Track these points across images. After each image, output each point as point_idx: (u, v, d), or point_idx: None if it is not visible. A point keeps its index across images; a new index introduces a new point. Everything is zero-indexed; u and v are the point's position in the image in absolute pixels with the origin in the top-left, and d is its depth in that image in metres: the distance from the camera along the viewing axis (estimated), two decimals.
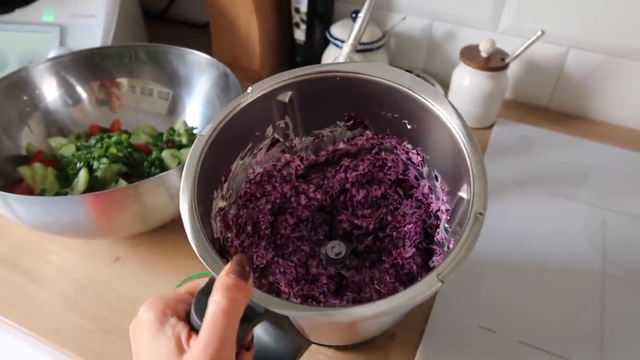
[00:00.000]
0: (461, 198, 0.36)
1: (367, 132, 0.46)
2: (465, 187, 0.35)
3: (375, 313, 0.29)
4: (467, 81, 0.73)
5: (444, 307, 0.51)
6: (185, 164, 0.37)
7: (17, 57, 0.78)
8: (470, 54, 0.72)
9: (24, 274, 0.55)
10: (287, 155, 0.47)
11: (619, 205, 0.63)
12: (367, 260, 0.47)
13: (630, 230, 0.60)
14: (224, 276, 0.28)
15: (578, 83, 0.78)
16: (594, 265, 0.56)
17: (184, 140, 0.65)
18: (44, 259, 0.57)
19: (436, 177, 0.42)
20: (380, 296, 0.42)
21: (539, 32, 0.66)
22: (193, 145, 0.38)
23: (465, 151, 0.35)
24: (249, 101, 0.41)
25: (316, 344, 0.45)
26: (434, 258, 0.43)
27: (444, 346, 0.48)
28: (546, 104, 0.82)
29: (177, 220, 0.57)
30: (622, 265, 0.55)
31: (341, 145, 0.48)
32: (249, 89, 0.41)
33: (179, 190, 0.50)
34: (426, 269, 0.44)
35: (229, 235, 0.42)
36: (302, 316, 0.29)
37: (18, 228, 0.59)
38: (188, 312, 0.29)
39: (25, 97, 0.64)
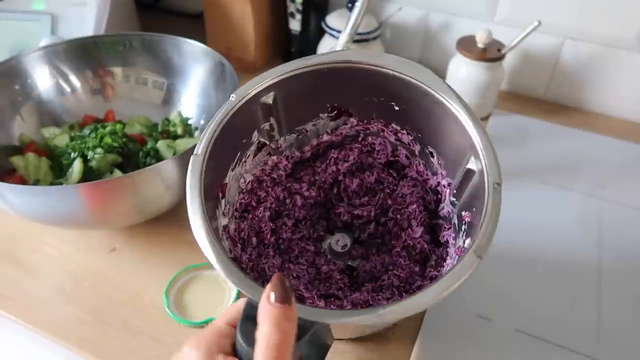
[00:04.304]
0: (470, 170, 0.36)
1: (352, 119, 0.45)
2: (472, 159, 0.36)
3: (433, 300, 0.29)
4: (463, 72, 0.73)
5: None
6: (187, 187, 0.36)
7: (8, 46, 0.76)
8: (466, 45, 0.72)
9: (19, 265, 0.54)
10: (274, 158, 0.46)
11: (614, 195, 0.63)
12: (372, 247, 0.47)
13: (625, 220, 0.60)
14: (267, 304, 0.26)
15: (573, 74, 0.78)
16: (589, 255, 0.56)
17: (179, 130, 0.65)
18: (39, 250, 0.56)
19: (431, 153, 0.42)
20: (401, 280, 0.43)
21: (536, 23, 0.66)
22: (190, 167, 0.37)
23: (466, 124, 0.36)
24: (235, 109, 0.40)
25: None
26: (444, 233, 0.43)
27: (442, 335, 0.48)
28: (542, 94, 0.82)
29: (173, 211, 0.57)
30: (617, 254, 0.56)
31: (325, 137, 0.47)
32: (232, 97, 0.40)
33: (175, 180, 0.50)
34: (436, 244, 0.44)
35: (237, 251, 0.41)
36: (357, 321, 0.29)
37: (12, 219, 0.58)
38: (233, 345, 0.29)
39: (17, 87, 0.63)
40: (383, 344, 0.47)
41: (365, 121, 0.45)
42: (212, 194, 0.39)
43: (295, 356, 0.29)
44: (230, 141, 0.41)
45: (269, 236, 0.46)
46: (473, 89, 0.73)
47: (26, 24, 0.76)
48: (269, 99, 0.41)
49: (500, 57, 0.71)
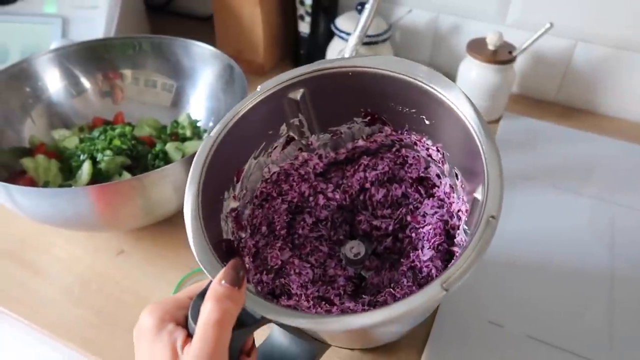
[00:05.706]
0: (476, 199, 0.34)
1: (386, 128, 0.44)
2: (480, 188, 0.33)
3: (369, 323, 0.27)
4: (474, 74, 0.72)
5: (451, 302, 0.50)
6: (192, 165, 0.37)
7: (19, 48, 0.77)
8: (477, 47, 0.72)
9: (28, 267, 0.54)
10: (305, 154, 0.46)
11: (627, 199, 0.62)
12: (387, 261, 0.46)
13: (639, 224, 0.59)
14: (216, 284, 0.28)
15: (585, 77, 0.77)
16: (602, 260, 0.55)
17: (188, 133, 0.65)
18: (47, 252, 0.56)
19: (456, 175, 0.40)
20: (395, 300, 0.41)
21: (548, 25, 0.65)
22: (200, 147, 0.37)
23: (481, 149, 0.33)
24: (258, 100, 0.40)
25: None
26: (453, 261, 0.41)
27: (451, 341, 0.47)
28: (553, 97, 0.82)
29: (181, 214, 0.57)
30: (630, 259, 0.55)
31: (360, 143, 0.46)
32: (258, 88, 0.40)
33: (183, 183, 0.49)
34: None
35: (243, 235, 0.41)
36: (294, 323, 0.28)
37: (21, 221, 0.59)
38: (187, 317, 0.29)
39: (27, 89, 0.63)
40: (391, 350, 0.47)
41: (399, 131, 0.44)
42: (224, 176, 0.39)
43: (240, 342, 0.29)
44: (252, 130, 0.41)
45: (278, 228, 0.45)
46: (483, 92, 0.72)
47: (37, 27, 0.77)
48: (296, 95, 0.41)
49: (511, 60, 0.70)
